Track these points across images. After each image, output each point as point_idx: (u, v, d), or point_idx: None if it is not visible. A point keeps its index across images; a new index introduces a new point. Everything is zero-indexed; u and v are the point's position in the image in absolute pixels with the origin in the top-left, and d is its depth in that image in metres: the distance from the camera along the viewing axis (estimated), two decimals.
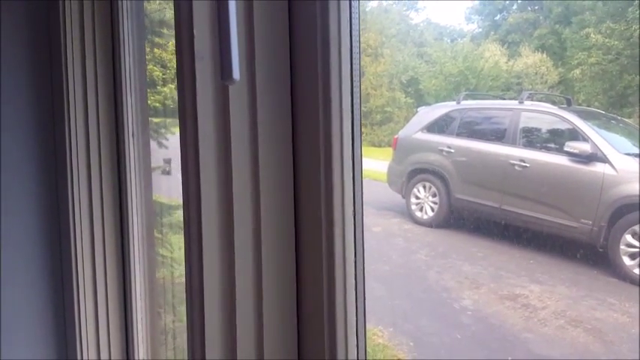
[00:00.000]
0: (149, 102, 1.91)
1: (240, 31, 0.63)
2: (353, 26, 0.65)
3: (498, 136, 4.36)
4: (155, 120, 2.32)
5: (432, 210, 4.61)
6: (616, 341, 2.90)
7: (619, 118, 4.32)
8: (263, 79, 0.67)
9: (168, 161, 2.35)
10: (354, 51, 0.67)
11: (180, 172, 0.68)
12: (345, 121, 0.66)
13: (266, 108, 0.68)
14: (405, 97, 7.58)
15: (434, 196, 4.60)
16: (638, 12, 4.25)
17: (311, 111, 0.68)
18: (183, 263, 0.74)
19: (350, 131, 0.67)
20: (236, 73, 0.59)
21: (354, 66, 0.67)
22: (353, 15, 0.65)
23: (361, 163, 0.72)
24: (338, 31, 0.64)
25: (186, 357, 0.76)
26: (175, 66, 0.64)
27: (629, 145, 4.00)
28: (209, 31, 0.63)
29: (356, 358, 0.70)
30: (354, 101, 0.67)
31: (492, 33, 6.76)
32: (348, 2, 0.65)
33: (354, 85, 0.67)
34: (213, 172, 0.69)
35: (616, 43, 4.52)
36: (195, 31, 0.62)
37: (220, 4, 0.59)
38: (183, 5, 0.63)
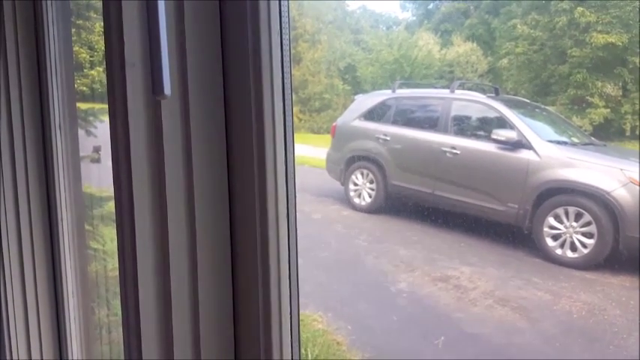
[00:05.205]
0: (75, 86, 1.82)
1: (171, 40, 0.62)
2: (284, 36, 0.66)
3: (431, 124, 4.49)
4: (83, 107, 2.21)
5: (370, 196, 4.71)
6: (540, 318, 3.08)
7: (542, 106, 4.56)
8: (195, 84, 0.66)
9: (97, 149, 2.25)
10: (284, 55, 0.67)
11: (113, 184, 0.66)
12: (277, 125, 0.67)
13: (199, 111, 0.67)
14: (343, 84, 7.66)
15: (371, 182, 4.69)
16: (560, 5, 4.47)
17: (244, 111, 0.68)
18: (116, 256, 0.73)
19: (282, 134, 0.68)
20: (167, 89, 0.58)
21: (285, 70, 0.67)
22: (283, 27, 0.66)
23: (294, 165, 0.73)
24: (269, 39, 0.65)
25: (122, 350, 0.75)
26: (105, 73, 0.62)
27: (551, 133, 4.23)
28: (139, 36, 0.62)
29: (290, 357, 0.72)
30: (286, 107, 0.68)
31: (426, 22, 6.93)
32: (278, 16, 0.65)
33: (285, 89, 0.67)
34: (146, 170, 0.68)
35: (540, 34, 4.75)
36: (125, 38, 0.60)
37: (150, 18, 0.58)
38: (113, 12, 0.61)
